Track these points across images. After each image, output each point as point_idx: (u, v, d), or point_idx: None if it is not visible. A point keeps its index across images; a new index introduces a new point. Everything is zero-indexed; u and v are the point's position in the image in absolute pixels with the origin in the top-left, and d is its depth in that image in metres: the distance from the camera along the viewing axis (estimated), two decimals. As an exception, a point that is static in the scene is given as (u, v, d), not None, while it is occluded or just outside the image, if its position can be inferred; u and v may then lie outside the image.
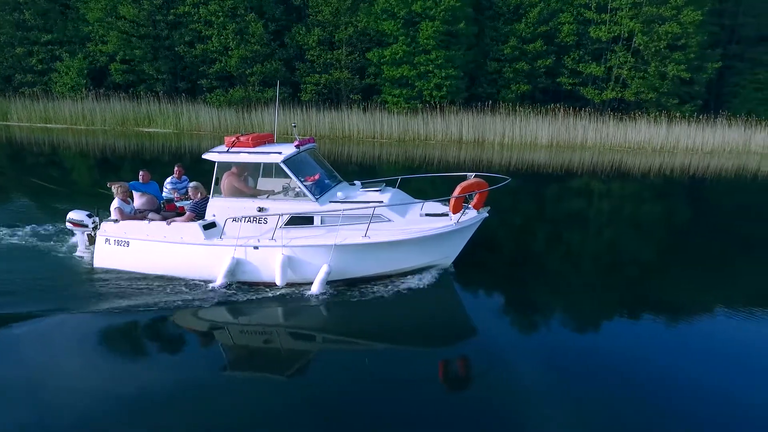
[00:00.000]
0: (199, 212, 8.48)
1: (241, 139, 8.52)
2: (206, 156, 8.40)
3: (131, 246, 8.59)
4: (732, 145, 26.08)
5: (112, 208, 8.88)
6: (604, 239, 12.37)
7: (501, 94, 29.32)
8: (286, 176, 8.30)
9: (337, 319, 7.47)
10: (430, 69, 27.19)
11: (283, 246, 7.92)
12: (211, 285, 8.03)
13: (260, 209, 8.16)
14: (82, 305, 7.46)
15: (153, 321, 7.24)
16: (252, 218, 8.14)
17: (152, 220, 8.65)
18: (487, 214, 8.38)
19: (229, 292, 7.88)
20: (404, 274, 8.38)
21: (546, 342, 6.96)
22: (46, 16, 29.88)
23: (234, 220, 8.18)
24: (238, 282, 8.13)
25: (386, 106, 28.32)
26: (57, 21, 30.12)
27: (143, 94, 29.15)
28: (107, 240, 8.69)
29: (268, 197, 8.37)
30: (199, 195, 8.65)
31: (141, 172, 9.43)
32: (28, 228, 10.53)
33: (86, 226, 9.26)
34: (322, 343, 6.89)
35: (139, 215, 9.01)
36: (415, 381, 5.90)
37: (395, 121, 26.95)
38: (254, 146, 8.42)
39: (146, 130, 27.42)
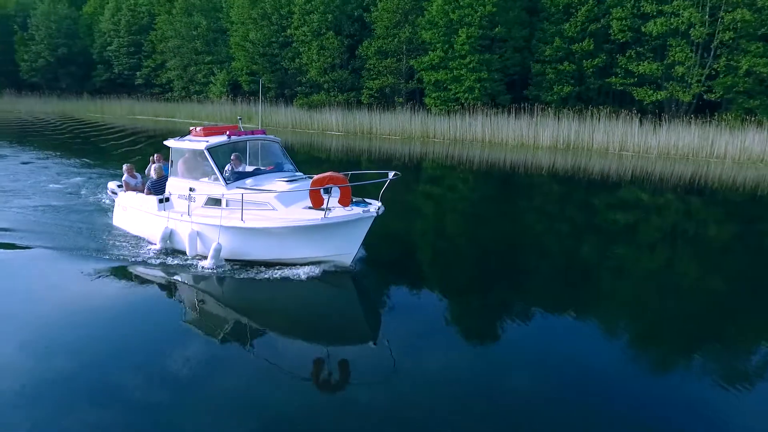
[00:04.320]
0: (155, 189, 10.05)
1: (197, 129, 9.74)
2: (165, 143, 10.11)
3: (127, 211, 10.62)
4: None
5: (123, 181, 11.31)
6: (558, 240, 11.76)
7: (543, 97, 28.79)
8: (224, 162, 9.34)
9: (222, 291, 8.01)
10: (463, 73, 28.75)
11: (192, 222, 8.94)
12: (151, 247, 9.50)
13: (191, 189, 9.29)
14: (81, 247, 9.55)
15: (100, 266, 8.71)
16: (186, 196, 9.31)
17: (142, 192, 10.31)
18: (375, 213, 7.80)
19: (155, 255, 9.16)
20: (302, 265, 8.40)
21: (442, 350, 6.45)
22: (210, 42, 41.14)
23: (178, 197, 9.47)
24: (173, 249, 9.35)
25: (427, 108, 30.87)
26: (218, 45, 41.14)
27: (258, 99, 37.85)
28: (118, 205, 10.96)
29: (199, 180, 9.35)
30: (155, 175, 10.28)
31: (156, 155, 11.37)
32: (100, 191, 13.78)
33: (116, 194, 11.36)
34: (197, 311, 7.45)
35: (140, 187, 10.78)
36: (283, 369, 5.89)
37: (411, 121, 29.65)
38: (204, 136, 9.53)
39: (243, 125, 35.89)
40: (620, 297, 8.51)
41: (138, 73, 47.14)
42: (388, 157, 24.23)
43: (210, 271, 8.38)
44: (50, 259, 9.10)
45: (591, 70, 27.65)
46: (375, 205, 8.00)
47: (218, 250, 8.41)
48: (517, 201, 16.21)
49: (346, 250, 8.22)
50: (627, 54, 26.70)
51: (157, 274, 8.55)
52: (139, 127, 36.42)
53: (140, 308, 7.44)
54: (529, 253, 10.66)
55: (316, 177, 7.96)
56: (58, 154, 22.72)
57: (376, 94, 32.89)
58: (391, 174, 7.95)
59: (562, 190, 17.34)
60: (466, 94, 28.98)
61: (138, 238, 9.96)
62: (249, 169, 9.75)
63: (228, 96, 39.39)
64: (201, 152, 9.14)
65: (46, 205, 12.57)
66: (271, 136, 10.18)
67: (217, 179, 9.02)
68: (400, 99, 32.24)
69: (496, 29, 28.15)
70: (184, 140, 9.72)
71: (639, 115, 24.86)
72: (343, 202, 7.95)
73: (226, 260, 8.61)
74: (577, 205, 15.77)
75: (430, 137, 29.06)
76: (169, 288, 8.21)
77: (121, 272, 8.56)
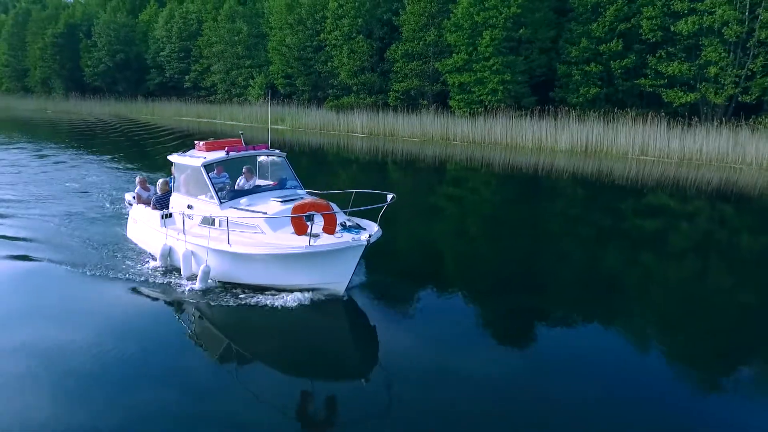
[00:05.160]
0: (159, 204, 9.85)
1: (200, 144, 9.51)
2: (169, 157, 9.88)
3: (137, 225, 10.47)
4: None
5: (135, 193, 11.17)
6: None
7: (569, 98, 28.16)
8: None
9: (207, 316, 7.65)
10: (486, 75, 28.61)
11: (186, 241, 8.64)
12: (151, 264, 9.28)
13: (189, 206, 9.07)
14: (86, 260, 9.50)
15: (94, 281, 8.71)
16: (185, 214, 8.96)
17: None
18: (366, 242, 7.15)
19: (153, 272, 8.96)
20: (295, 291, 7.93)
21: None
22: (251, 47, 42.89)
23: (179, 213, 9.05)
24: (173, 267, 9.00)
25: (451, 110, 30.92)
26: (258, 50, 42.82)
27: (294, 101, 39.21)
28: (131, 218, 10.88)
29: (197, 197, 9.07)
30: (160, 190, 10.18)
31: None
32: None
33: (131, 205, 11.22)
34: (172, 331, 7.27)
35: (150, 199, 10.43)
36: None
37: (433, 123, 29.87)
38: (207, 151, 9.38)
39: (275, 126, 37.19)
40: (646, 306, 8.25)
41: (187, 76, 49.75)
42: (412, 158, 24.86)
43: (199, 293, 8.11)
44: (49, 272, 9.16)
45: (619, 71, 26.79)
46: (367, 232, 7.46)
47: (207, 273, 8.17)
48: (537, 205, 16.16)
49: (337, 279, 7.71)
50: (657, 54, 25.68)
51: (147, 293, 8.32)
52: (185, 129, 38.49)
53: (119, 329, 7.22)
54: (551, 259, 10.45)
55: (297, 203, 7.59)
56: (106, 154, 24.58)
57: (402, 97, 33.27)
58: (389, 197, 7.74)
59: (583, 195, 17.22)
60: (489, 97, 28.82)
61: (144, 253, 9.83)
62: (260, 183, 9.59)
63: (265, 98, 40.98)
64: (198, 169, 8.93)
65: (65, 213, 12.81)
66: (276, 151, 9.80)
67: (212, 197, 8.74)
68: (425, 101, 32.46)
69: (521, 30, 27.84)
70: (185, 155, 9.58)
71: (667, 117, 23.91)
72: (328, 230, 7.38)
73: (219, 282, 8.37)
74: (600, 210, 15.53)
75: (449, 139, 29.15)
76: (154, 309, 7.94)
77: (113, 289, 8.45)
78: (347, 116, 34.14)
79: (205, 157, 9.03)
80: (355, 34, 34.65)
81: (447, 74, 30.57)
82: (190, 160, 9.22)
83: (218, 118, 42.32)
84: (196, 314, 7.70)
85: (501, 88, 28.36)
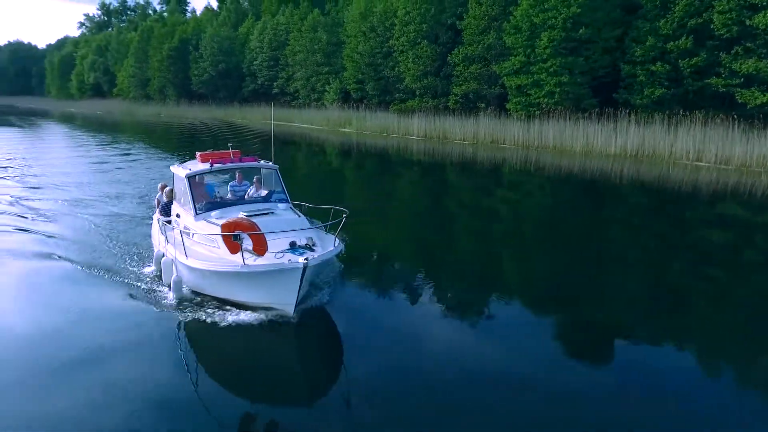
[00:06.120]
0: (163, 212, 10.17)
1: (197, 155, 9.74)
2: (171, 168, 10.14)
3: (154, 228, 10.73)
4: None
5: (155, 199, 11.24)
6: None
7: (632, 100, 26.60)
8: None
9: (168, 326, 7.56)
10: (543, 77, 27.97)
11: (167, 250, 8.79)
12: (147, 269, 9.54)
13: (178, 216, 9.25)
14: (100, 260, 9.93)
15: (92, 280, 9.08)
16: (171, 222, 9.29)
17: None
18: (302, 265, 6.69)
19: (145, 277, 9.13)
20: (249, 308, 7.79)
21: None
22: (329, 55, 45.39)
23: (173, 222, 9.27)
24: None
25: (508, 113, 30.55)
26: (335, 57, 45.21)
27: (363, 105, 40.97)
28: (153, 221, 11.01)
29: (184, 207, 9.21)
30: (166, 197, 10.41)
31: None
32: None
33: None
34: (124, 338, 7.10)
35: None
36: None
37: (487, 126, 29.67)
38: (202, 162, 9.54)
39: (342, 129, 39.08)
40: (716, 323, 7.86)
41: (275, 83, 53.77)
42: (466, 161, 25.50)
43: (172, 301, 8.20)
44: (54, 270, 9.68)
45: (689, 70, 24.81)
46: (308, 254, 7.02)
47: (178, 282, 8.27)
48: (594, 211, 15.88)
49: (282, 300, 7.39)
50: (733, 51, 23.45)
51: (128, 296, 8.47)
52: (268, 131, 41.81)
53: (74, 331, 7.34)
54: (613, 270, 10.16)
55: (224, 221, 7.49)
56: (186, 153, 27.78)
57: (461, 100, 33.47)
58: (344, 215, 7.83)
59: (642, 201, 16.75)
60: (546, 99, 28.13)
61: (151, 257, 9.98)
62: (263, 193, 9.78)
63: (339, 102, 43.20)
64: (183, 180, 9.19)
65: (109, 213, 13.53)
66: (269, 164, 9.82)
67: (191, 208, 8.92)
68: (482, 104, 32.37)
69: (581, 30, 26.85)
70: (181, 166, 9.86)
71: (740, 120, 21.80)
72: (258, 250, 7.12)
73: (192, 292, 8.43)
74: (662, 217, 14.88)
75: (499, 142, 28.90)
76: (124, 314, 7.92)
77: (100, 290, 8.75)
78: (406, 119, 35.07)
79: (190, 169, 9.33)
80: (420, 40, 35.49)
81: (505, 77, 30.29)
82: (181, 171, 9.51)
83: (296, 122, 45.32)
84: (163, 322, 7.65)
85: (558, 90, 27.57)
